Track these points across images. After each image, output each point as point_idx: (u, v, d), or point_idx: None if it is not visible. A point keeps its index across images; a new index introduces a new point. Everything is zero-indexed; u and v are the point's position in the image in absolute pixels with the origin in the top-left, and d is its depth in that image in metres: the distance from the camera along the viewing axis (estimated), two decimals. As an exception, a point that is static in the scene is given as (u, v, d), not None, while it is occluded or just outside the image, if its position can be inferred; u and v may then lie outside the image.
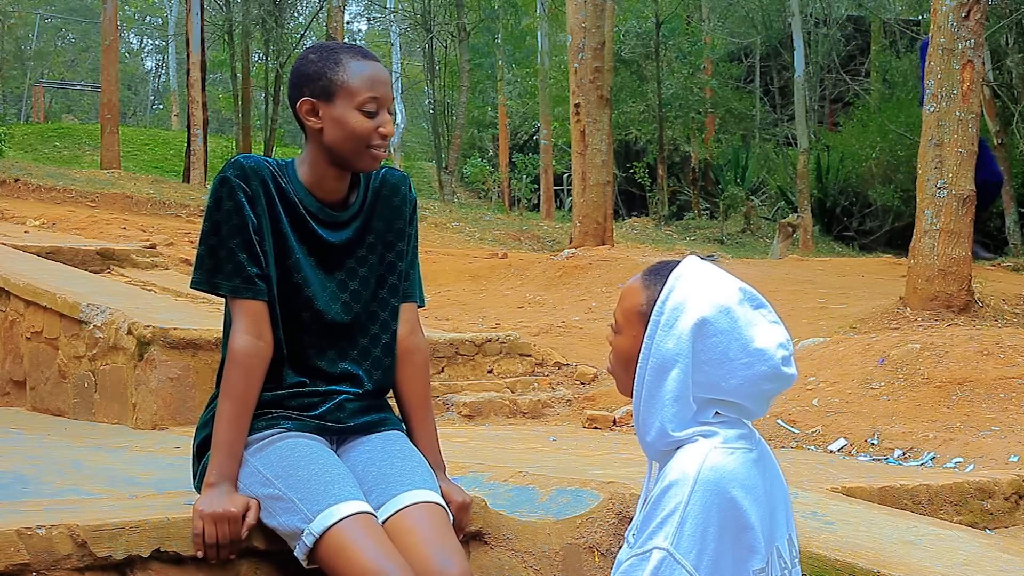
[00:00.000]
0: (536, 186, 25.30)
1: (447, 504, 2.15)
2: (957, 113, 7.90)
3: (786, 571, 1.77)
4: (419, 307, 2.39)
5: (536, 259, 12.25)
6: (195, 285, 2.19)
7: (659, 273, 1.82)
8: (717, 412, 1.77)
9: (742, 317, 1.74)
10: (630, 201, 28.10)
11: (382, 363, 2.29)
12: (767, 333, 1.74)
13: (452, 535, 2.07)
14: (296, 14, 28.21)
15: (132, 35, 51.25)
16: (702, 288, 1.76)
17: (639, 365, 1.77)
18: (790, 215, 19.24)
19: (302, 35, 27.02)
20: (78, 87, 42.58)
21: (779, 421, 5.18)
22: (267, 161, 2.22)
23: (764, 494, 1.73)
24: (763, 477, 1.75)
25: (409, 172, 31.46)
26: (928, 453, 4.70)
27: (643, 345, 1.77)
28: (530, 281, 10.96)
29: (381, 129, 2.16)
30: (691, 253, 1.84)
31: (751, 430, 1.80)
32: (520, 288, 10.69)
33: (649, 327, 1.77)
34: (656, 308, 1.77)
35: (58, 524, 1.93)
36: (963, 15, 7.91)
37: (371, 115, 2.15)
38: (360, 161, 2.18)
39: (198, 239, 2.22)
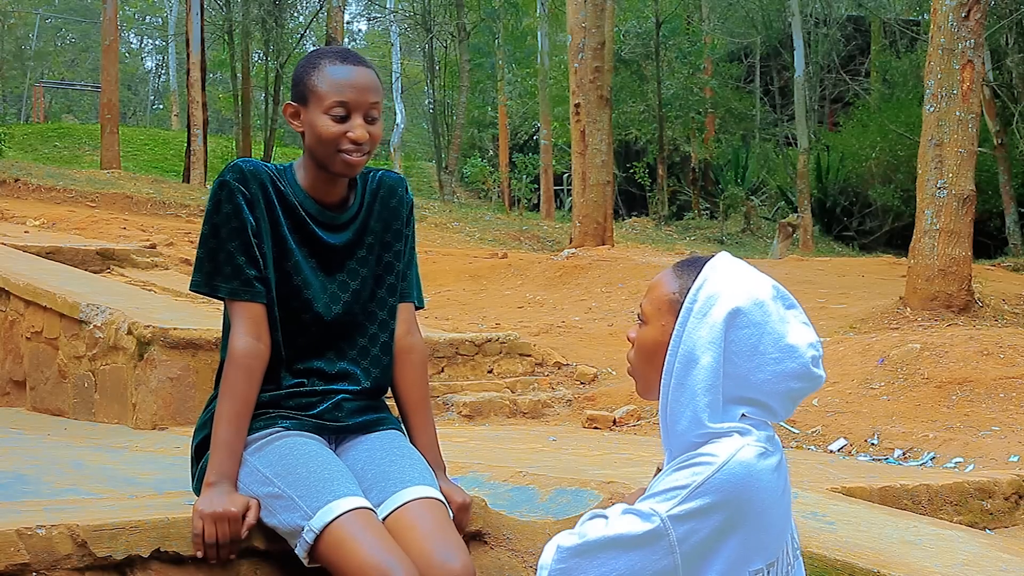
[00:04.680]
0: (536, 186, 25.30)
1: (447, 504, 2.15)
2: (957, 113, 7.90)
3: (789, 567, 1.77)
4: (418, 308, 2.39)
5: (536, 259, 12.25)
6: (194, 288, 2.20)
7: (692, 264, 1.81)
8: (744, 415, 1.75)
9: (775, 313, 1.74)
10: (630, 201, 28.10)
11: (380, 361, 2.29)
12: (799, 332, 1.74)
13: (454, 530, 2.07)
14: (296, 14, 28.20)
15: (132, 35, 51.26)
16: (737, 280, 1.75)
17: (668, 353, 1.75)
18: (790, 215, 19.24)
19: (302, 35, 27.03)
20: (78, 87, 42.58)
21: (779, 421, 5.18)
22: (266, 165, 2.23)
23: (780, 497, 1.74)
24: (778, 480, 1.75)
25: (409, 172, 31.43)
26: (928, 453, 4.70)
27: (673, 333, 1.75)
28: (530, 281, 10.96)
29: (350, 134, 2.14)
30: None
31: (774, 433, 1.80)
32: (520, 288, 10.69)
33: (681, 315, 1.75)
34: (690, 296, 1.75)
35: (58, 524, 1.92)
36: (963, 15, 7.91)
37: (341, 120, 2.14)
38: (333, 165, 2.17)
39: (198, 242, 2.22)
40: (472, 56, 29.19)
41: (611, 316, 8.48)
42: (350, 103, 2.14)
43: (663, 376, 1.76)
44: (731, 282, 1.75)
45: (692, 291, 1.75)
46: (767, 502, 1.70)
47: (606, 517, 1.73)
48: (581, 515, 2.62)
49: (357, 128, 2.14)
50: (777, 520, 1.73)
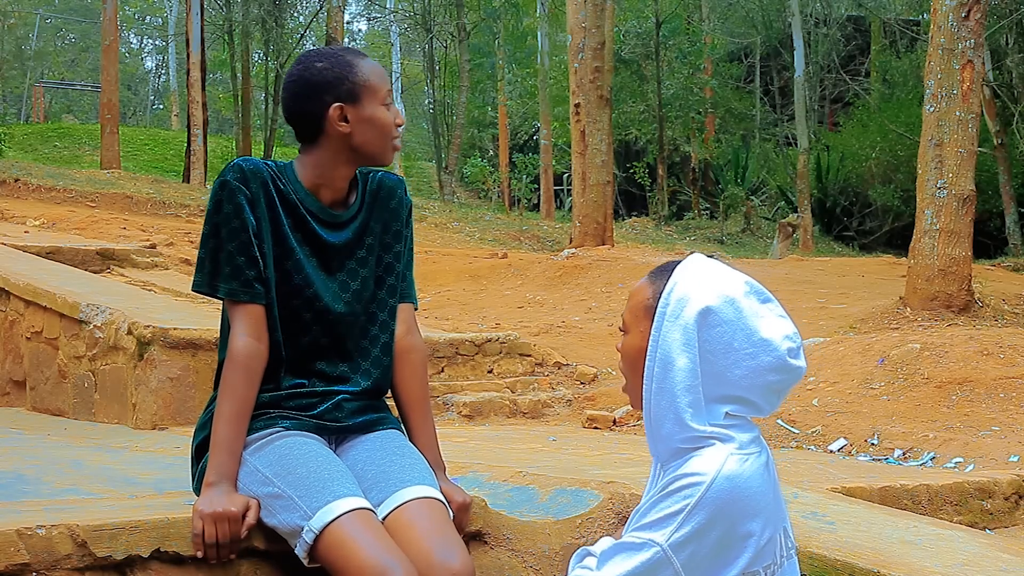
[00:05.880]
0: (536, 186, 25.31)
1: (447, 504, 2.15)
2: (957, 113, 7.90)
3: (778, 567, 1.77)
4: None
5: (536, 259, 12.25)
6: (194, 288, 2.21)
7: (664, 269, 1.83)
8: (728, 413, 1.76)
9: (747, 308, 1.74)
10: (630, 201, 28.10)
11: (381, 362, 2.30)
12: (773, 325, 1.75)
13: (453, 529, 2.07)
14: (296, 14, 28.19)
15: (132, 35, 51.25)
16: (707, 280, 1.77)
17: (647, 358, 1.77)
18: (790, 215, 19.25)
19: (302, 35, 27.01)
20: (78, 87, 42.57)
21: (779, 421, 5.18)
22: (266, 163, 2.24)
23: (771, 497, 1.74)
24: (768, 479, 1.75)
25: (409, 172, 31.36)
26: (928, 453, 4.70)
27: (650, 338, 1.77)
28: (530, 281, 10.96)
29: (397, 120, 2.25)
30: (691, 253, 1.83)
31: (759, 433, 1.80)
32: (520, 288, 10.69)
33: (656, 319, 1.77)
34: (662, 300, 1.77)
35: (58, 524, 1.92)
36: (963, 15, 7.91)
37: (388, 108, 2.23)
38: (387, 155, 2.25)
39: (199, 242, 2.23)
40: (472, 56, 29.18)
41: (611, 316, 8.48)
42: (391, 90, 2.25)
43: (644, 382, 1.77)
44: (701, 282, 1.76)
45: (664, 295, 1.77)
46: (759, 506, 1.70)
47: (596, 556, 1.75)
48: (581, 516, 2.63)
49: (399, 113, 2.26)
50: (772, 520, 1.74)
